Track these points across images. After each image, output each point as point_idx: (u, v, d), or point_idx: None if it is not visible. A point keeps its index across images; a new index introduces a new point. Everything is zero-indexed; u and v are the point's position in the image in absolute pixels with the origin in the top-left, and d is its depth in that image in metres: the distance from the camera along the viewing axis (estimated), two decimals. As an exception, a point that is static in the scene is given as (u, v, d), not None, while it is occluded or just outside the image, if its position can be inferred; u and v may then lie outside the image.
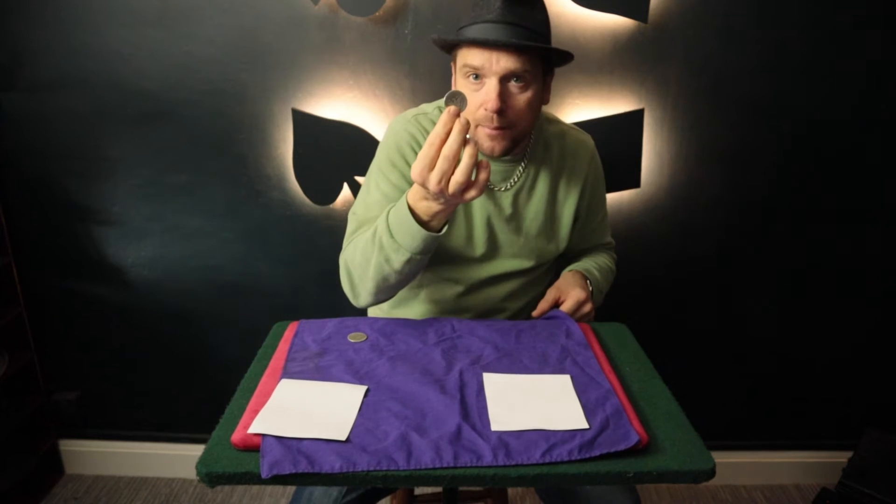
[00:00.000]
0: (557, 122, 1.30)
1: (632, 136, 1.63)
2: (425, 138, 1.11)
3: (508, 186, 1.23)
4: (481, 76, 1.08)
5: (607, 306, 1.37)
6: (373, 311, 1.41)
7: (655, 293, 1.82)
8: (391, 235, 1.03)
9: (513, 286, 1.28)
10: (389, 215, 1.05)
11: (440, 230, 1.02)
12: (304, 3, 1.55)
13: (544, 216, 1.25)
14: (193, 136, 1.67)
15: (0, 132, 1.68)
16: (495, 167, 1.21)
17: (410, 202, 1.00)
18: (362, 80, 1.62)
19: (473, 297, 1.27)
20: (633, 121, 1.63)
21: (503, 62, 1.06)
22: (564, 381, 0.95)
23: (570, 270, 1.29)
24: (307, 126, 1.64)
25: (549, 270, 1.34)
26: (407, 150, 1.19)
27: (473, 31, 1.08)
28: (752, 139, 1.67)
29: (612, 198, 1.70)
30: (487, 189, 1.22)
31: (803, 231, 1.76)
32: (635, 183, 1.69)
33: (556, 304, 1.20)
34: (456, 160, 0.91)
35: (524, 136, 1.17)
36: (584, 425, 0.83)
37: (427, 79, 1.61)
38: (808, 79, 1.62)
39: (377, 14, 1.55)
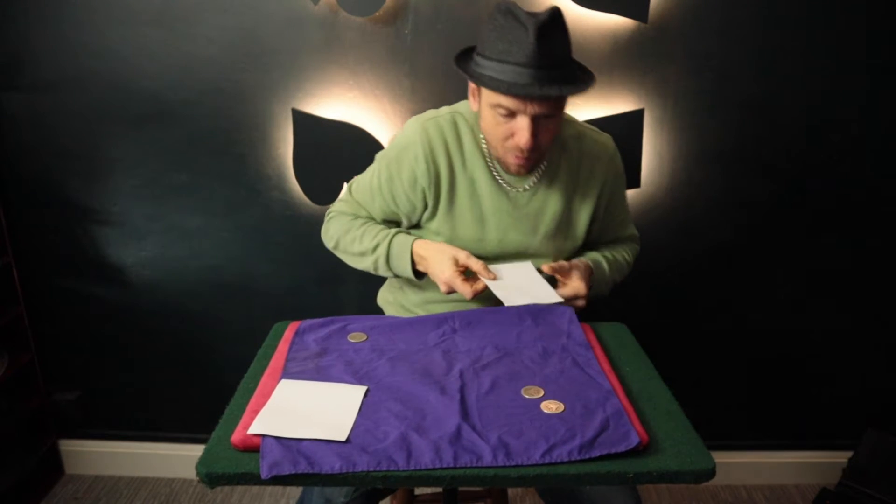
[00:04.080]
0: (574, 123, 1.30)
1: (632, 136, 1.63)
2: (436, 144, 1.20)
3: (525, 188, 1.24)
4: (512, 112, 1.09)
5: (608, 306, 1.37)
6: (383, 294, 1.44)
7: (656, 293, 1.81)
8: (387, 261, 1.23)
9: None
10: (392, 246, 1.22)
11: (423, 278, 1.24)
12: (304, 3, 1.55)
13: (560, 217, 1.25)
14: (193, 136, 1.67)
15: (0, 132, 1.68)
16: None
17: (417, 256, 1.20)
18: (362, 80, 1.62)
19: (489, 290, 1.27)
20: (633, 121, 1.63)
21: (538, 107, 1.06)
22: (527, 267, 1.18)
23: (582, 259, 1.28)
24: (307, 126, 1.64)
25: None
26: (408, 157, 1.21)
27: (505, 74, 1.05)
28: (752, 139, 1.67)
29: (612, 198, 1.70)
30: (504, 190, 1.23)
31: (803, 231, 1.75)
32: (635, 183, 1.69)
33: (554, 282, 1.19)
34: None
35: (548, 151, 1.20)
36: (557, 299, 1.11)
37: (427, 79, 1.61)
38: (808, 79, 1.62)
39: (377, 14, 1.55)
